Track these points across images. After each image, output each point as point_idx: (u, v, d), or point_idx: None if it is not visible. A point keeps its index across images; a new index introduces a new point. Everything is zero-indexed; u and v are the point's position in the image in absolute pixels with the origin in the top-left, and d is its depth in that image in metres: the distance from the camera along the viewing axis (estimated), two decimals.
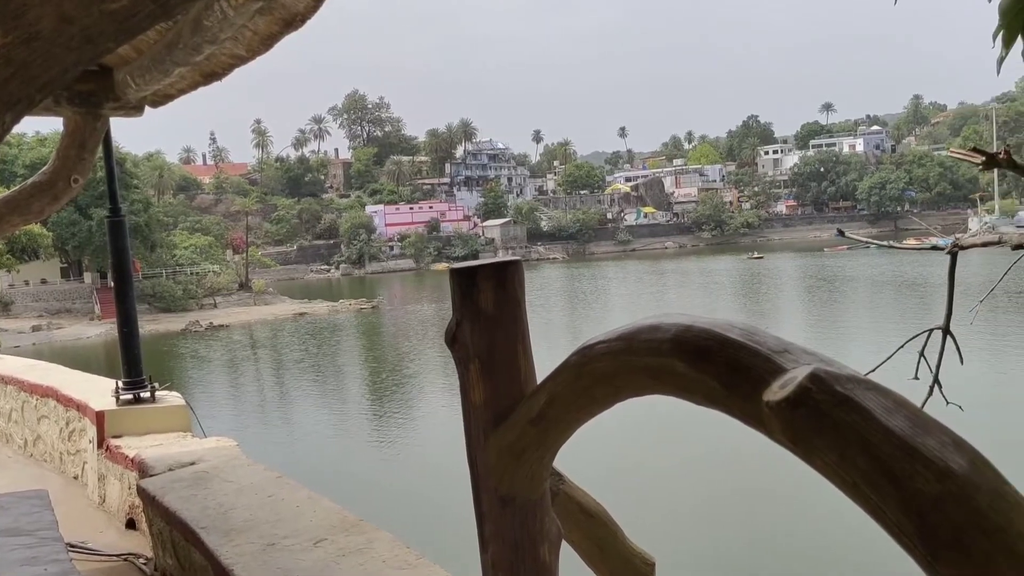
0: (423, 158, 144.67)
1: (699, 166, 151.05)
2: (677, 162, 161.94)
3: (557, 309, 65.53)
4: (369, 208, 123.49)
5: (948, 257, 3.43)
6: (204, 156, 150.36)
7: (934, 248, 3.29)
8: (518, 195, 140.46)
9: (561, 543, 1.79)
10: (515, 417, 1.63)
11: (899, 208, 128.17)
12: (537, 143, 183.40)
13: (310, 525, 3.65)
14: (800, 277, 76.39)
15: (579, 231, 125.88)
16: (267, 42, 3.95)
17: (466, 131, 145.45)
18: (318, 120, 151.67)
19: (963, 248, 3.21)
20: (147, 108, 5.32)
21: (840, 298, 59.97)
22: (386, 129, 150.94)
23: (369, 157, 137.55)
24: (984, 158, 2.74)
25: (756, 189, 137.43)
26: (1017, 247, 2.96)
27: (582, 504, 1.98)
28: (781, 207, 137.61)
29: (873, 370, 3.55)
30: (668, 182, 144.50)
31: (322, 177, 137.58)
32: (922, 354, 3.63)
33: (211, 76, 4.69)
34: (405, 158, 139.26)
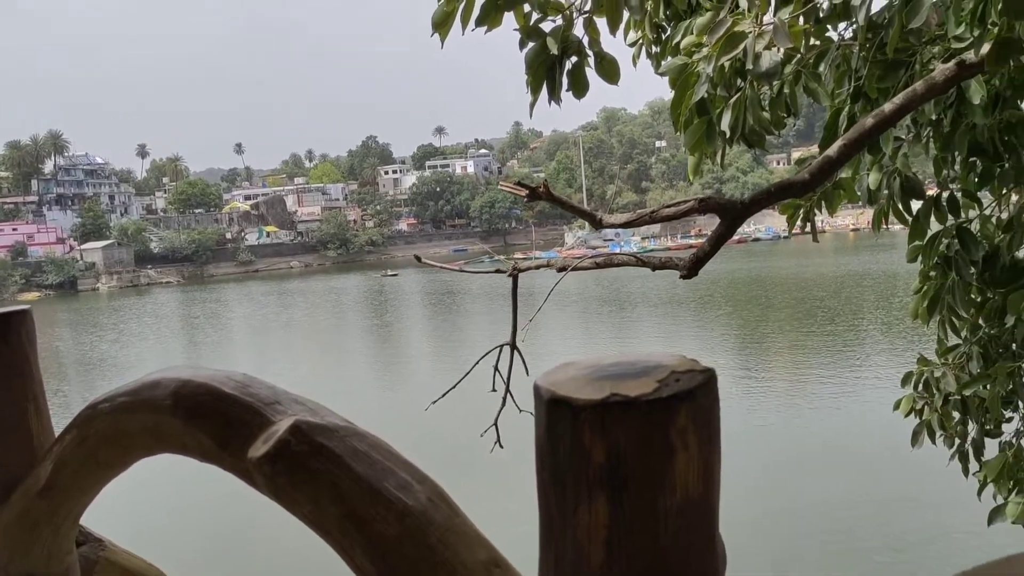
0: (3, 173, 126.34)
1: (321, 184, 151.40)
2: (298, 180, 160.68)
3: (168, 336, 61.37)
4: None
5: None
6: None
7: (498, 271, 3.60)
8: (122, 214, 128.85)
9: None
10: (22, 488, 1.44)
11: (508, 225, 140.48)
12: (143, 158, 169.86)
13: None
14: (425, 292, 80.00)
15: (195, 252, 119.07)
16: None
17: (56, 143, 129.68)
18: None
19: (521, 271, 3.57)
20: None
21: (457, 311, 63.94)
22: None
23: None
24: (528, 191, 3.06)
25: (378, 207, 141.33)
26: (561, 270, 3.36)
27: (126, 568, 1.81)
28: (403, 225, 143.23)
29: (453, 387, 3.80)
30: (290, 200, 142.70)
31: None
32: (496, 368, 3.96)
33: None
34: None
